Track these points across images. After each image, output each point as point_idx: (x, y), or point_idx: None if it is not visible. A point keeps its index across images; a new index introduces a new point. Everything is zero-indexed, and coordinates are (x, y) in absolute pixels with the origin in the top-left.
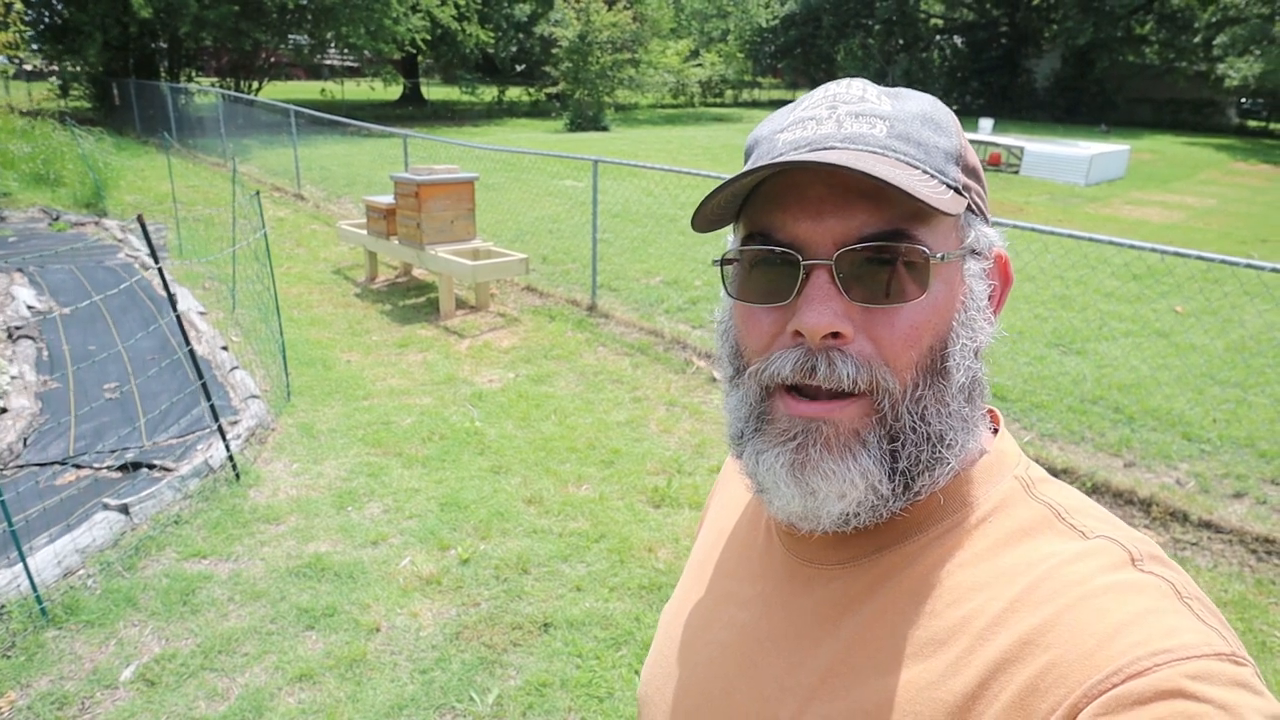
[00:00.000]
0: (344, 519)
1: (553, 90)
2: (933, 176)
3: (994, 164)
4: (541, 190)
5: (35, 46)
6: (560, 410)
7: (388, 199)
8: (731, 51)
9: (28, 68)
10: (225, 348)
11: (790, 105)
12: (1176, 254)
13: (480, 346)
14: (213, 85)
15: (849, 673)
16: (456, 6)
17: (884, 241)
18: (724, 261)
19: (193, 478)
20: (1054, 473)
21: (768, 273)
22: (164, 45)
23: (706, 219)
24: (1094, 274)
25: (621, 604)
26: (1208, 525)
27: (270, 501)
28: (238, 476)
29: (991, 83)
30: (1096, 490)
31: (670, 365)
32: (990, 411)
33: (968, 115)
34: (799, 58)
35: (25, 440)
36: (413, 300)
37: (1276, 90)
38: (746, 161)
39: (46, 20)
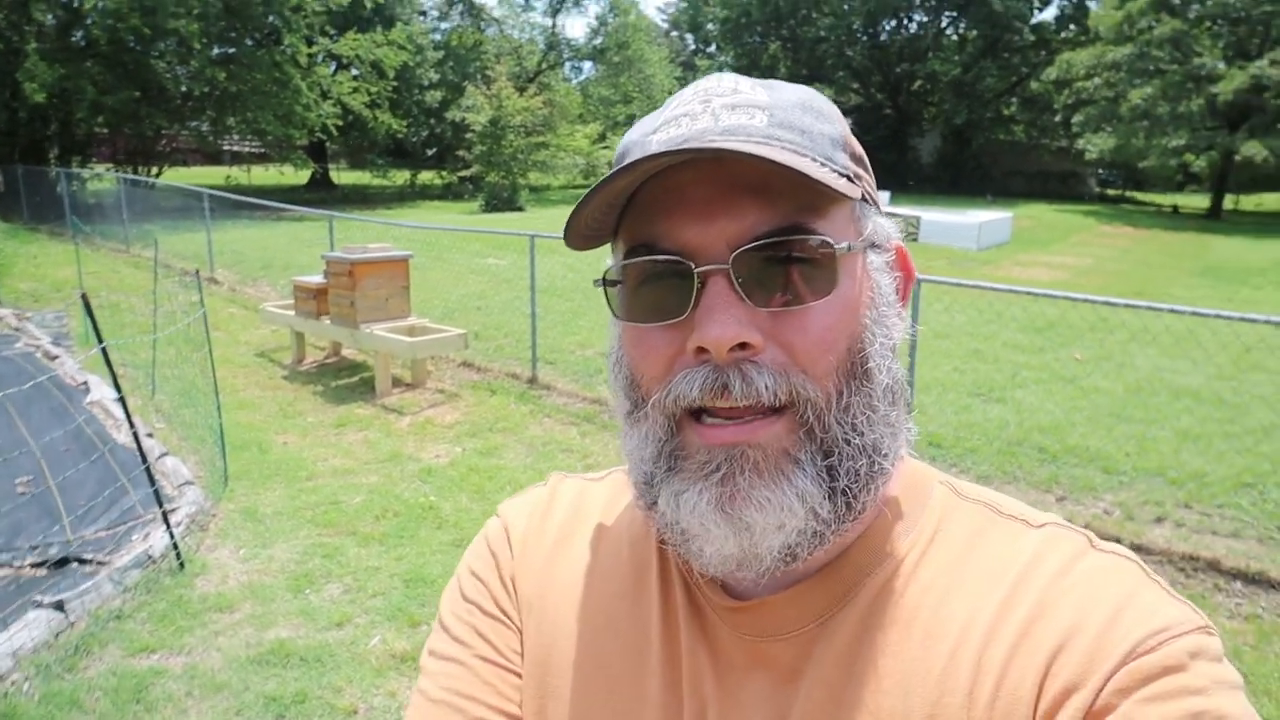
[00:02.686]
0: (303, 602)
1: (466, 173)
2: (822, 164)
3: None
4: (464, 269)
5: None
6: (514, 481)
7: (317, 279)
8: None
9: None
10: (150, 434)
11: (660, 108)
12: (1092, 301)
13: (422, 423)
14: (107, 171)
15: None
16: (369, 94)
17: (783, 237)
18: (607, 283)
19: (133, 569)
20: None
21: (657, 287)
22: (54, 131)
23: (580, 235)
24: (1001, 329)
25: None
26: (1139, 548)
27: (220, 589)
28: (182, 565)
29: (882, 159)
30: None
31: (619, 432)
32: None
33: None
34: None
35: None
36: (345, 380)
37: (1128, 162)
38: (616, 167)
39: None
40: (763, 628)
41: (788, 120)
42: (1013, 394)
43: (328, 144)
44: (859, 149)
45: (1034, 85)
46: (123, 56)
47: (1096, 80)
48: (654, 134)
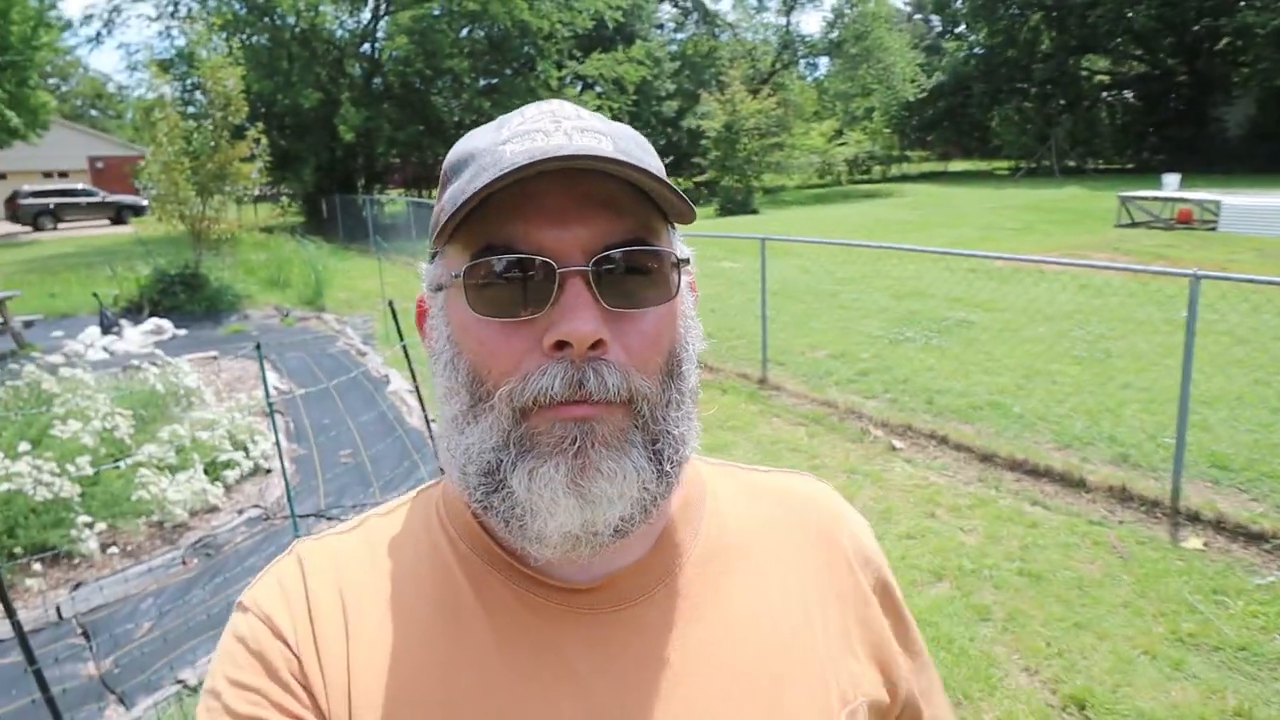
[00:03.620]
0: None
1: (701, 179)
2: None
3: (1184, 221)
4: (700, 272)
5: (258, 174)
6: None
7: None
8: (877, 128)
9: (255, 192)
10: (434, 420)
11: (497, 123)
12: None
13: None
14: (399, 195)
15: (749, 656)
16: (610, 110)
17: (633, 248)
18: (439, 286)
19: None
20: None
21: (510, 286)
22: (360, 164)
23: (445, 232)
24: None
25: None
26: None
27: None
28: None
29: (1172, 136)
30: None
31: (846, 434)
32: None
33: (1147, 172)
34: (949, 129)
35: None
36: None
37: None
38: (459, 176)
39: (271, 151)
40: (621, 598)
41: (626, 150)
42: None
43: None
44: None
45: None
46: (410, 97)
47: None
48: (505, 145)
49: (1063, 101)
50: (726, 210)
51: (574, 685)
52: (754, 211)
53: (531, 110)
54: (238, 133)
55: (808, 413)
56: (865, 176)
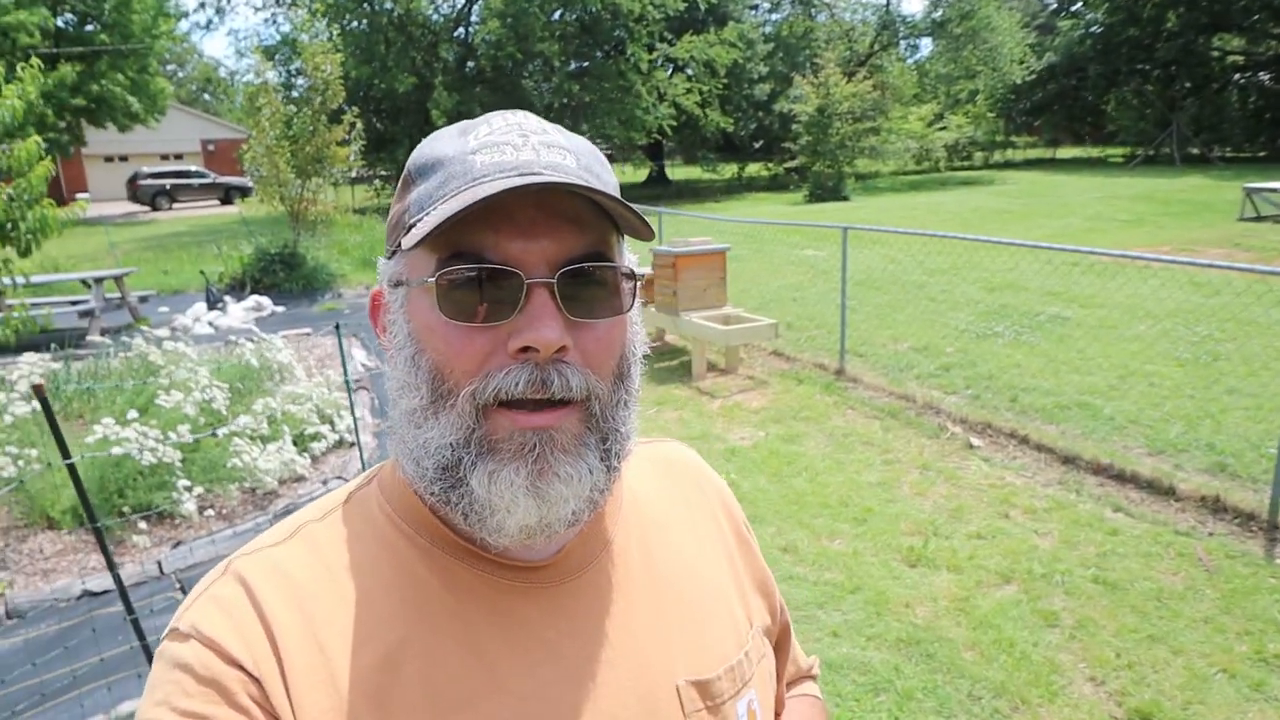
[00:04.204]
0: None
1: (791, 164)
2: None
3: None
4: (783, 260)
5: (355, 157)
6: (811, 468)
7: (645, 270)
8: (980, 112)
9: (352, 174)
10: None
11: (461, 129)
12: None
13: (731, 406)
14: None
15: (682, 616)
16: (700, 94)
17: (594, 263)
18: (397, 283)
19: None
20: None
21: (477, 291)
22: None
23: (416, 238)
24: None
25: (879, 653)
26: None
27: None
28: None
29: None
30: None
31: (923, 430)
32: None
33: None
34: (1059, 113)
35: (363, 470)
36: (667, 363)
37: None
38: (425, 180)
39: (367, 134)
40: (572, 569)
41: (588, 166)
42: None
43: (664, 142)
44: None
45: None
46: (501, 80)
47: None
48: (474, 154)
49: (1188, 84)
50: (816, 197)
51: (546, 651)
52: (845, 198)
53: (498, 120)
54: (335, 117)
55: (884, 406)
56: (965, 163)
